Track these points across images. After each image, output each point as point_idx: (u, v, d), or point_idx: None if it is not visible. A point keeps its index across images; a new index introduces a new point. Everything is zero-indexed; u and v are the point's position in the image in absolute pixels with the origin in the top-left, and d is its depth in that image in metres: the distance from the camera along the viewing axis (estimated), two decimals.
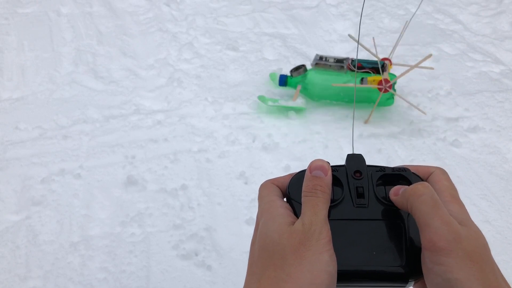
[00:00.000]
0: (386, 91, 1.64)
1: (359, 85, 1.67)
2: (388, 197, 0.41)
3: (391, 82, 1.64)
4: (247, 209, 1.39)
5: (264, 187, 0.43)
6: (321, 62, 1.75)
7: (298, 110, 1.75)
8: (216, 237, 1.32)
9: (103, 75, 1.96)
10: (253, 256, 0.40)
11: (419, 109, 1.71)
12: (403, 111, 1.81)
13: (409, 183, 0.41)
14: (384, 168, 0.43)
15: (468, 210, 0.40)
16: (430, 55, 1.62)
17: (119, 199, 1.41)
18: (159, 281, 1.21)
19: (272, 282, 0.36)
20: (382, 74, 1.64)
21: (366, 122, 1.71)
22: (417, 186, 0.38)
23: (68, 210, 1.38)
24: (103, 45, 2.16)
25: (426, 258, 0.36)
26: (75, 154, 1.57)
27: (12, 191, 1.43)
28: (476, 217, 1.40)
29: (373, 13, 2.50)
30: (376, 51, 1.72)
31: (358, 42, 1.87)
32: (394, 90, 1.70)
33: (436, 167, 0.43)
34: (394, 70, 1.85)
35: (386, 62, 1.72)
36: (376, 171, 0.43)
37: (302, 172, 0.42)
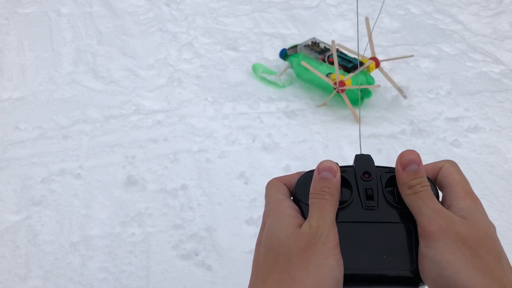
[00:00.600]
0: (338, 92, 1.67)
1: (349, 87, 1.68)
2: (398, 199, 0.40)
3: (349, 86, 1.64)
4: (247, 209, 1.39)
5: (272, 185, 0.43)
6: (306, 49, 1.83)
7: (277, 86, 1.89)
8: (216, 237, 1.32)
9: (103, 75, 1.96)
10: (258, 256, 0.39)
11: (400, 91, 1.77)
12: (403, 111, 1.81)
13: None
14: (393, 170, 0.42)
15: None
16: (411, 56, 1.76)
17: (119, 199, 1.41)
18: (159, 281, 1.21)
19: (277, 285, 0.35)
20: (344, 75, 1.67)
21: (356, 118, 1.73)
22: (417, 185, 0.39)
23: (68, 210, 1.38)
24: (103, 45, 2.16)
25: (421, 246, 0.36)
26: (75, 154, 1.56)
27: (12, 191, 1.43)
28: None
29: (373, 13, 2.50)
30: (372, 47, 1.72)
31: (357, 38, 1.89)
32: (369, 94, 1.76)
33: (445, 160, 0.43)
34: (393, 70, 1.84)
35: (370, 62, 1.69)
36: (385, 172, 0.42)
37: (310, 173, 0.42)
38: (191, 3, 2.51)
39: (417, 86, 1.95)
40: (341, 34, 2.31)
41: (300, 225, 0.37)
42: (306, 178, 0.42)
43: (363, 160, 0.43)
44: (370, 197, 0.40)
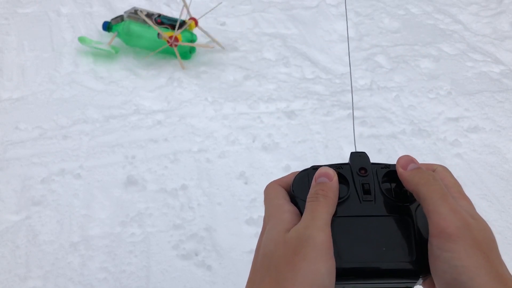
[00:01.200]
0: (171, 45, 1.94)
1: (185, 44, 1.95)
2: (395, 193, 0.40)
3: (181, 42, 1.93)
4: (247, 209, 1.39)
5: (271, 189, 0.42)
6: (133, 15, 2.03)
7: (107, 52, 2.03)
8: (216, 237, 1.32)
9: (103, 75, 1.96)
10: (255, 263, 0.38)
11: (219, 44, 2.04)
12: (403, 111, 1.81)
13: None
14: (389, 165, 0.42)
15: None
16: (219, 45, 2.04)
17: (119, 199, 1.41)
18: (159, 281, 1.21)
19: None
20: (176, 31, 1.93)
21: (183, 68, 1.98)
22: (427, 175, 0.38)
23: (68, 210, 1.38)
24: (103, 45, 2.16)
25: (434, 246, 0.35)
26: (75, 154, 1.56)
27: (12, 191, 1.43)
28: None
29: (373, 13, 2.50)
30: (188, 10, 2.01)
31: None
32: (194, 50, 2.05)
33: (438, 164, 0.42)
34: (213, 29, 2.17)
35: (190, 21, 1.99)
36: (381, 168, 0.42)
37: (306, 170, 0.42)
38: (191, 3, 2.51)
39: (417, 86, 1.95)
40: (341, 34, 2.31)
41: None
42: (302, 175, 0.42)
43: (358, 157, 0.43)
44: (367, 192, 0.40)
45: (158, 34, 1.95)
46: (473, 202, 0.38)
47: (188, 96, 1.85)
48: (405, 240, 0.38)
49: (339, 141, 1.64)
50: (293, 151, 1.60)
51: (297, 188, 0.41)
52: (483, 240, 0.35)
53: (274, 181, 0.43)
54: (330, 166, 0.42)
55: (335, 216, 0.38)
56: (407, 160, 0.40)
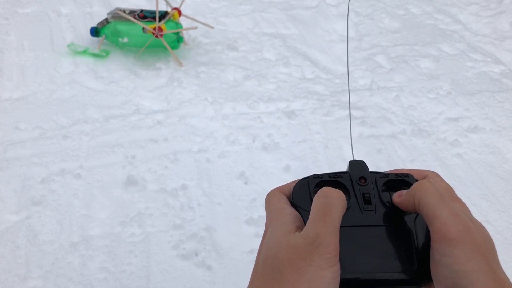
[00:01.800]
0: (157, 36, 1.96)
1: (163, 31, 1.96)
2: (394, 203, 0.40)
3: (166, 31, 1.96)
4: (247, 209, 1.39)
5: (273, 196, 0.42)
6: (117, 15, 2.05)
7: (98, 56, 2.05)
8: (216, 237, 1.32)
9: (103, 75, 1.96)
10: (256, 268, 0.38)
11: (206, 24, 2.06)
12: (403, 111, 1.81)
13: None
14: (388, 174, 0.43)
15: None
16: (196, 27, 2.00)
17: (119, 199, 1.41)
18: (159, 281, 1.21)
19: None
20: (158, 22, 1.95)
21: (180, 66, 2.01)
22: (423, 182, 0.38)
23: (68, 210, 1.38)
24: (103, 45, 2.16)
25: (435, 251, 0.35)
26: (75, 154, 1.56)
27: (12, 191, 1.43)
28: (476, 217, 1.40)
29: (373, 13, 2.50)
30: (168, 2, 2.05)
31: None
32: (181, 39, 2.06)
33: (430, 170, 0.43)
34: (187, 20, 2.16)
35: (173, 11, 2.02)
36: (380, 177, 0.42)
37: (307, 179, 0.42)
38: (191, 3, 2.51)
39: (417, 86, 1.95)
40: (341, 34, 2.31)
41: (297, 232, 0.36)
42: (302, 184, 0.42)
43: (357, 165, 0.43)
44: (368, 201, 0.40)
45: (143, 28, 1.97)
46: (473, 202, 0.38)
47: (188, 96, 1.85)
48: (406, 250, 0.38)
49: (339, 141, 1.64)
50: (293, 151, 1.60)
51: (297, 197, 0.41)
52: (482, 243, 0.35)
53: (275, 188, 0.43)
54: (330, 174, 0.42)
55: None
56: (399, 192, 0.40)
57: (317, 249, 0.34)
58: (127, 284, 1.20)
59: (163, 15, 2.00)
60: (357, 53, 2.17)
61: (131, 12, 2.06)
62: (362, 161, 0.43)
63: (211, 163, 1.55)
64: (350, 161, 0.43)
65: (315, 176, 0.42)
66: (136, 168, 1.51)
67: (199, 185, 1.47)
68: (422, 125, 1.73)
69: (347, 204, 0.40)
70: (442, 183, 0.41)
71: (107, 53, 2.07)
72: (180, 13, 2.06)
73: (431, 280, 0.37)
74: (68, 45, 2.08)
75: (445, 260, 0.34)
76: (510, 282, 0.34)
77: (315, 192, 0.39)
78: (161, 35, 1.96)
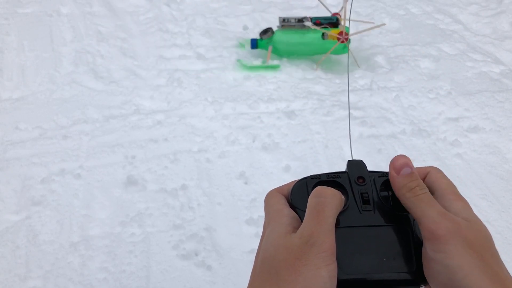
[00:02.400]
0: (343, 41, 1.96)
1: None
2: (393, 202, 0.40)
3: (349, 35, 1.96)
4: (247, 209, 1.39)
5: (271, 197, 0.42)
6: (285, 23, 2.03)
7: (273, 68, 2.02)
8: (216, 237, 1.32)
9: (103, 75, 1.96)
10: (255, 270, 0.38)
11: (374, 27, 2.04)
12: (403, 111, 1.81)
13: None
14: (386, 174, 0.42)
15: None
16: (383, 24, 2.04)
17: (119, 199, 1.41)
18: (159, 281, 1.21)
19: None
20: (338, 27, 1.98)
21: (317, 65, 2.03)
22: (416, 187, 0.38)
23: (68, 210, 1.38)
24: (103, 45, 2.16)
25: (427, 248, 0.35)
26: (75, 154, 1.56)
27: (12, 191, 1.43)
28: None
29: (373, 13, 2.50)
30: (326, 7, 2.07)
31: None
32: (349, 42, 2.01)
33: (431, 166, 0.42)
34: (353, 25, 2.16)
35: (337, 16, 2.03)
36: (379, 176, 0.42)
37: (306, 179, 0.42)
38: (191, 3, 2.51)
39: (417, 86, 1.95)
40: None
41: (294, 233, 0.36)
42: (300, 184, 0.41)
43: (355, 165, 0.43)
44: (366, 201, 0.40)
45: (323, 34, 1.96)
46: (473, 202, 0.38)
47: (188, 96, 1.85)
48: (405, 250, 0.38)
49: (339, 141, 1.64)
50: (293, 151, 1.60)
51: (295, 198, 0.41)
52: (475, 239, 0.35)
53: (273, 189, 0.43)
54: (328, 175, 0.42)
55: (336, 227, 0.38)
56: (402, 163, 0.40)
57: (312, 248, 0.34)
58: (127, 284, 1.20)
59: (335, 22, 2.01)
60: (357, 53, 2.17)
61: (300, 21, 2.03)
62: (361, 161, 0.43)
63: (211, 163, 1.55)
64: (349, 161, 0.43)
65: (313, 177, 0.41)
66: (136, 168, 1.51)
67: (199, 185, 1.47)
68: (422, 125, 1.73)
69: (345, 204, 0.40)
70: (444, 180, 0.40)
71: (279, 65, 2.03)
72: (340, 17, 2.07)
73: None
74: (241, 65, 2.02)
75: (438, 256, 0.34)
76: (511, 278, 0.34)
77: None
78: (346, 39, 1.96)
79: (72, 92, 1.86)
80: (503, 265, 0.35)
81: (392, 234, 0.39)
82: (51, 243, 1.29)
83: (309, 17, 2.03)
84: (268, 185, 1.45)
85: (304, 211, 0.38)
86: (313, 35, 2.00)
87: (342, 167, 0.44)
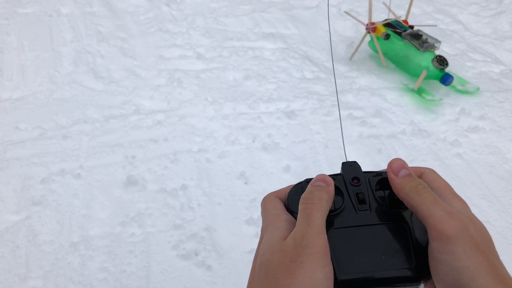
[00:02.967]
0: (369, 32, 1.98)
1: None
2: (389, 200, 0.41)
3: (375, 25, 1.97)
4: (247, 209, 1.39)
5: (269, 201, 0.42)
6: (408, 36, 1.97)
7: (472, 93, 1.89)
8: (216, 237, 1.32)
9: (103, 75, 1.96)
10: (253, 274, 0.38)
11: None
12: (403, 110, 1.81)
13: None
14: (381, 173, 0.43)
15: None
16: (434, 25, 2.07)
17: (119, 199, 1.41)
18: (159, 281, 1.21)
19: None
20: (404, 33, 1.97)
21: (351, 58, 2.06)
22: (418, 185, 0.38)
23: (68, 210, 1.38)
24: (103, 45, 2.16)
25: (434, 249, 0.35)
26: (75, 154, 1.56)
27: (12, 191, 1.43)
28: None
29: (373, 13, 2.49)
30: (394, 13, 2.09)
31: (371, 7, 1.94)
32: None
33: (426, 167, 0.43)
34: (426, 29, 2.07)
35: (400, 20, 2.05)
36: (374, 176, 0.42)
37: (300, 184, 0.42)
38: (191, 3, 2.51)
39: None
40: (341, 34, 2.31)
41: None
42: (297, 188, 0.42)
43: (350, 166, 0.43)
44: (362, 201, 0.40)
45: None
46: (473, 202, 0.38)
47: (188, 96, 1.85)
48: (404, 247, 0.38)
49: (339, 141, 1.64)
50: (293, 151, 1.60)
51: (292, 202, 0.41)
52: (481, 240, 0.35)
53: (271, 193, 0.43)
54: None
55: (333, 228, 0.38)
56: (399, 165, 0.40)
57: (305, 249, 0.34)
58: (127, 284, 1.20)
59: (407, 29, 1.99)
60: (357, 53, 2.17)
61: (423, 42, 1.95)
62: (355, 162, 0.43)
63: (211, 163, 1.55)
64: (343, 163, 0.43)
65: (308, 181, 0.42)
66: (136, 168, 1.51)
67: (199, 185, 1.47)
68: (422, 125, 1.73)
69: (341, 205, 0.40)
70: (440, 180, 0.41)
71: (477, 89, 1.92)
72: (407, 23, 2.06)
73: (431, 277, 0.37)
74: (421, 96, 1.87)
75: (445, 257, 0.34)
76: (510, 278, 0.34)
77: None
78: (374, 30, 1.97)
79: (72, 92, 1.86)
80: (502, 263, 0.36)
81: (390, 231, 0.39)
82: (51, 243, 1.29)
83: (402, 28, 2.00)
84: (268, 185, 1.45)
85: None
86: (404, 43, 1.95)
87: None
